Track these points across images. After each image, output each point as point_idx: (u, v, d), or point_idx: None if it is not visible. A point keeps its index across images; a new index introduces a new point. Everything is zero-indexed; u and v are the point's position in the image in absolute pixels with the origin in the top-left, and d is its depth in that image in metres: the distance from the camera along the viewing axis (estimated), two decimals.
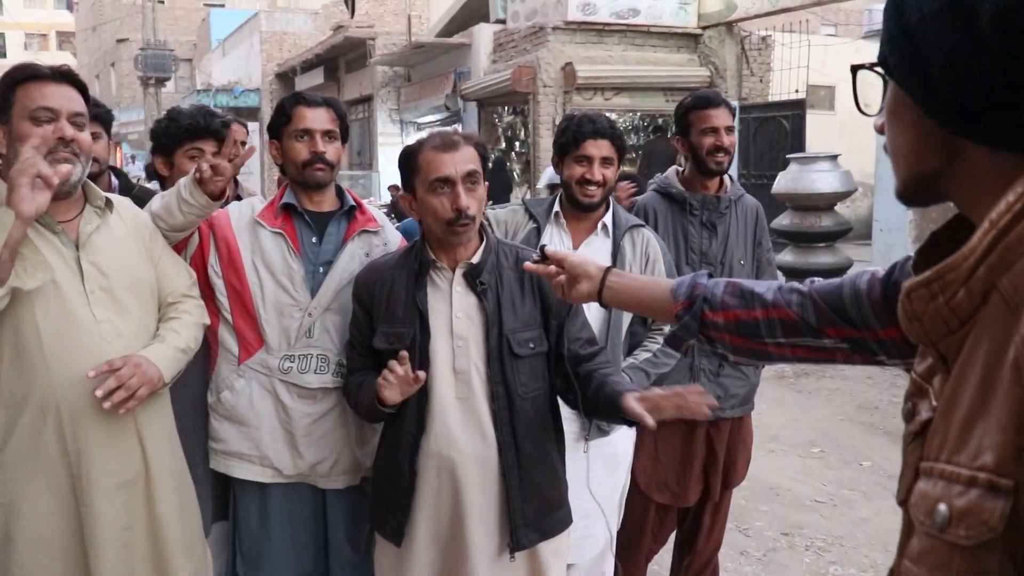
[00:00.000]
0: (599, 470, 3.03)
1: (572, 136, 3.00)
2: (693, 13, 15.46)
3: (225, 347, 2.75)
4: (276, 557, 2.75)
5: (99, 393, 2.20)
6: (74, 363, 2.25)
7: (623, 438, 3.10)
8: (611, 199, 3.11)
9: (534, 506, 2.42)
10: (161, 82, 29.20)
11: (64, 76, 2.32)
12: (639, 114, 16.21)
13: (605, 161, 2.99)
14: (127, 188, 3.58)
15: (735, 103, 14.97)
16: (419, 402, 2.39)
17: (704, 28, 15.44)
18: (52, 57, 60.84)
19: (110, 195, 2.49)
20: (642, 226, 3.12)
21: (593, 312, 2.80)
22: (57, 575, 2.31)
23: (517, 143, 17.34)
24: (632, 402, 2.18)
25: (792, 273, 8.99)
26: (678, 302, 1.73)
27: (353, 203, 2.82)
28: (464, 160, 2.35)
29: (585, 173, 2.97)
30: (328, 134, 2.73)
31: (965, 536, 0.81)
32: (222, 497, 2.90)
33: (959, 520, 0.82)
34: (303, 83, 25.60)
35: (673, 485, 3.41)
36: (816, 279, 1.64)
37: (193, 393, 2.78)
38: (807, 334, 1.56)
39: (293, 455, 2.71)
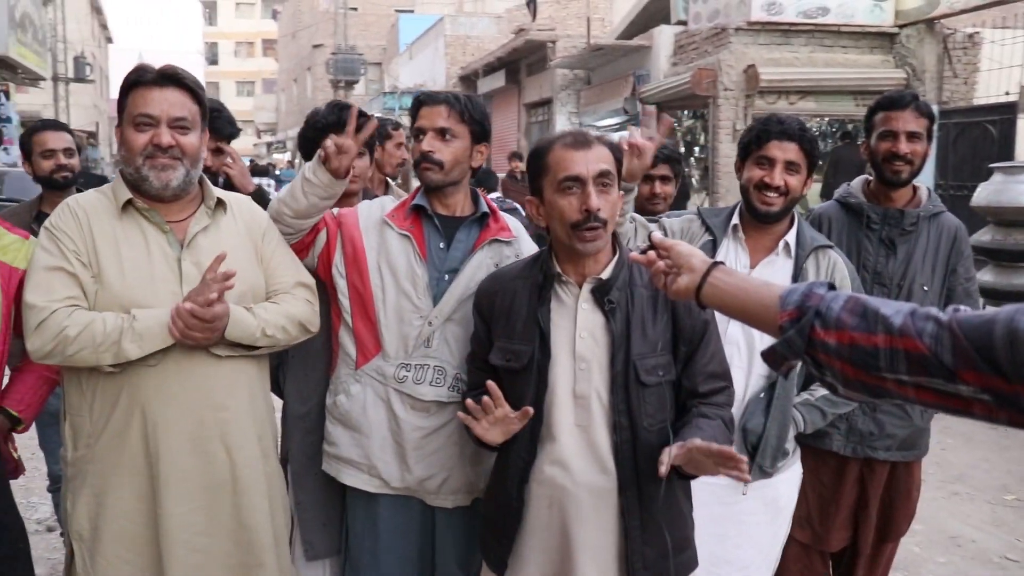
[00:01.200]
0: (759, 515, 2.75)
1: (756, 135, 2.71)
2: (890, 10, 14.49)
3: (344, 350, 2.70)
4: (381, 567, 2.68)
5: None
6: (161, 367, 2.30)
7: (787, 480, 2.81)
8: (795, 214, 2.80)
9: (655, 548, 2.22)
10: (350, 85, 30.40)
11: (169, 79, 2.36)
12: (826, 119, 15.37)
13: (790, 166, 2.68)
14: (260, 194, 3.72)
15: (934, 107, 14.05)
16: (533, 426, 2.24)
17: (902, 26, 14.44)
18: (257, 63, 64.80)
19: (226, 194, 2.54)
20: (830, 247, 2.79)
21: (739, 334, 2.64)
22: (139, 571, 2.35)
23: (696, 148, 16.86)
24: (665, 451, 2.01)
25: (991, 295, 8.23)
26: (785, 312, 1.50)
27: (487, 210, 2.71)
28: (597, 159, 2.18)
29: (764, 176, 2.68)
30: (441, 132, 2.62)
31: None
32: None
33: None
34: (485, 85, 25.99)
35: (815, 523, 3.08)
36: (962, 307, 1.30)
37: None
38: (937, 375, 1.28)
39: (401, 468, 2.62)
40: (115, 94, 2.43)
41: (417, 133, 2.65)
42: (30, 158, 3.93)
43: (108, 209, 2.37)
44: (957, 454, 5.91)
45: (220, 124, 3.57)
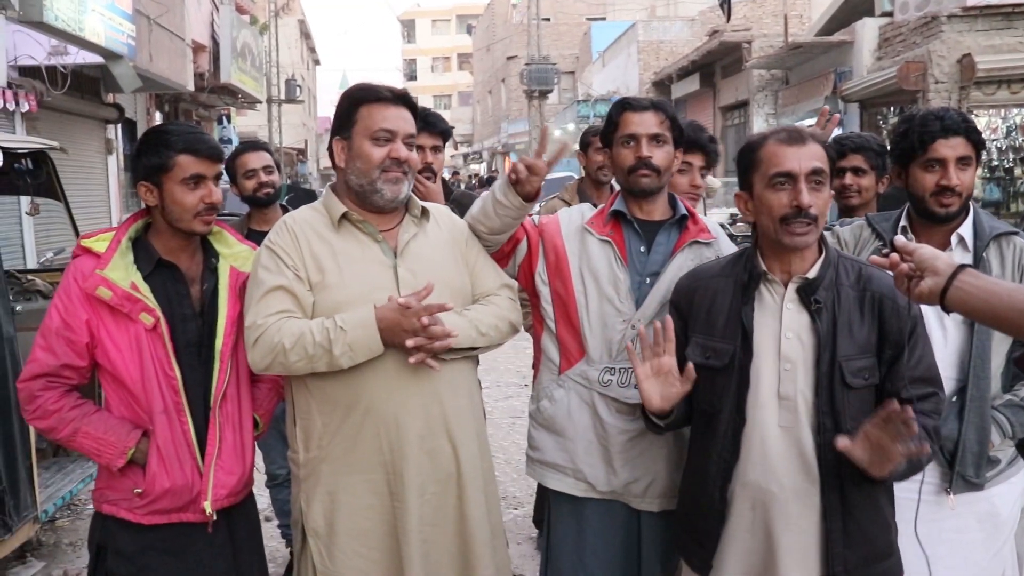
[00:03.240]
0: (973, 532, 2.56)
1: (918, 138, 2.53)
2: None
3: (547, 356, 2.74)
4: (586, 572, 2.69)
5: (411, 351, 2.34)
6: (388, 367, 2.40)
7: (1004, 494, 2.60)
8: (971, 205, 2.62)
9: (857, 553, 2.19)
10: (544, 95, 30.71)
11: (401, 99, 2.50)
12: None
13: (961, 162, 2.52)
14: (447, 193, 3.81)
15: None
16: (735, 425, 2.24)
17: None
18: (453, 77, 66.89)
19: (427, 204, 2.64)
20: (1015, 233, 2.58)
21: (952, 334, 2.51)
22: (372, 565, 2.47)
23: None
24: (845, 442, 2.02)
25: None
26: None
27: (685, 212, 2.71)
28: (810, 156, 2.16)
29: (940, 179, 2.52)
30: (655, 138, 2.64)
31: None
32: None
33: None
34: (679, 90, 25.69)
35: None
36: None
37: None
38: None
39: (607, 471, 2.64)
40: (323, 112, 2.56)
41: (628, 139, 2.65)
42: (235, 180, 4.15)
43: (323, 223, 2.49)
44: None
45: (435, 120, 3.64)
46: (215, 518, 2.48)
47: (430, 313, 2.32)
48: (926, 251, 1.79)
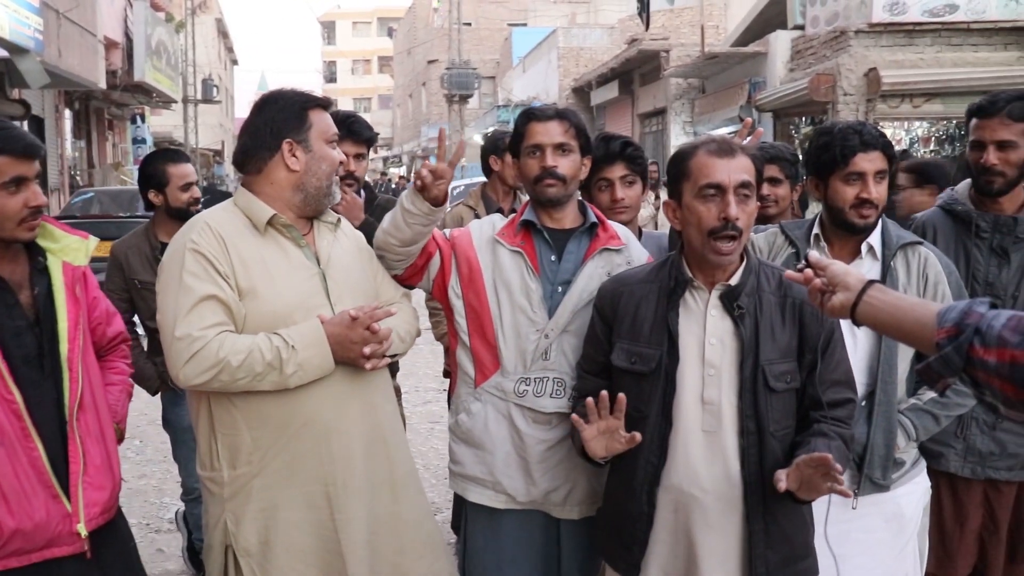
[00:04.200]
0: (879, 532, 2.64)
1: (839, 151, 2.59)
2: None
3: (463, 369, 2.73)
4: None
5: (368, 357, 2.36)
6: (327, 379, 2.36)
7: (909, 494, 2.70)
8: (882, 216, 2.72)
9: (778, 553, 2.25)
10: (465, 99, 30.75)
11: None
12: (954, 122, 14.74)
13: (878, 175, 2.60)
14: (371, 199, 3.79)
15: None
16: (662, 430, 2.28)
17: None
18: (373, 80, 66.41)
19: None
20: (919, 243, 2.69)
21: (862, 342, 2.59)
22: None
23: None
24: (780, 473, 2.09)
25: None
26: (943, 329, 1.50)
27: (595, 220, 2.72)
28: (739, 169, 2.21)
29: (860, 192, 2.59)
30: (560, 147, 2.64)
31: None
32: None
33: None
34: (598, 97, 25.96)
35: (937, 549, 2.92)
36: None
37: None
38: None
39: (527, 481, 2.64)
40: (240, 113, 2.53)
41: (534, 149, 2.65)
42: (163, 188, 3.88)
43: (245, 226, 2.41)
44: None
45: (359, 128, 3.62)
46: (85, 541, 2.27)
47: (377, 320, 2.33)
48: (838, 267, 1.85)
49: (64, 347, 2.28)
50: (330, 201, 2.48)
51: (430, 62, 42.55)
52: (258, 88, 61.64)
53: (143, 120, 23.97)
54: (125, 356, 2.70)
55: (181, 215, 3.81)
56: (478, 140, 22.75)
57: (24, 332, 2.24)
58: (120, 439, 2.53)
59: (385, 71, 63.87)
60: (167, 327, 2.28)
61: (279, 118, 2.43)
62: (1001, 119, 2.88)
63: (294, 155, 2.41)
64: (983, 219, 2.94)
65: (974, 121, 2.95)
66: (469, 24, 37.22)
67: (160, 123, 31.62)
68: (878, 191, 2.59)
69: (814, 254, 1.95)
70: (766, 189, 3.50)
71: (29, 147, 2.22)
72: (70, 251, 2.39)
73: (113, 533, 2.43)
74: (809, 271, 1.90)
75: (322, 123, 2.46)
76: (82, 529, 2.25)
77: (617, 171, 3.06)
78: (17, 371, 2.18)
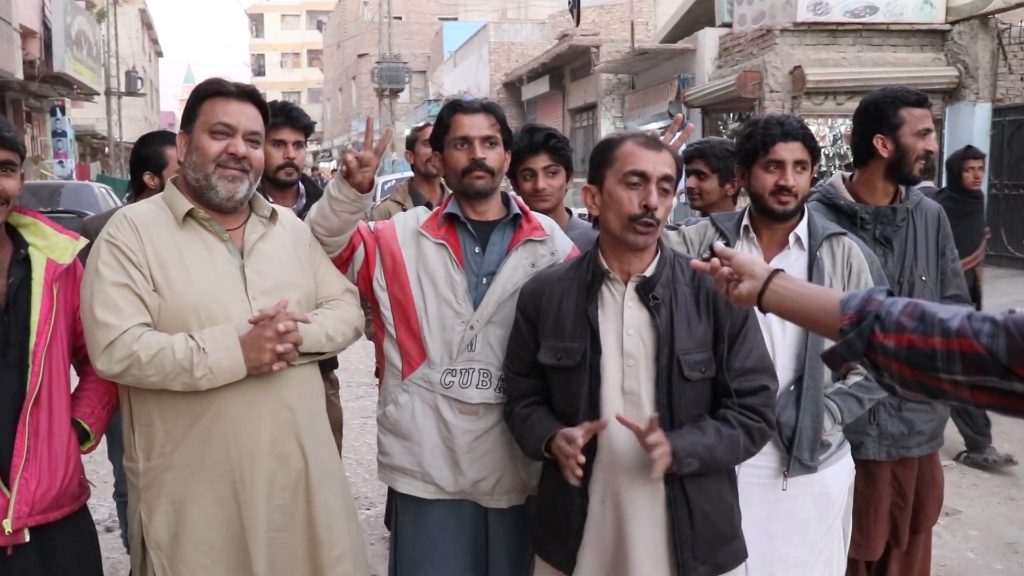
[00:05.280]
0: (808, 511, 2.72)
1: (760, 140, 2.70)
2: (940, 7, 14.24)
3: (390, 361, 2.74)
4: (434, 572, 2.71)
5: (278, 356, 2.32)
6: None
7: (835, 475, 2.78)
8: (806, 207, 2.81)
9: (704, 538, 2.29)
10: (395, 93, 30.63)
11: (247, 94, 2.45)
12: None
13: (798, 165, 2.70)
14: (315, 194, 3.71)
15: (987, 105, 13.81)
16: (590, 422, 2.28)
17: (953, 23, 14.20)
18: (302, 73, 65.59)
19: (274, 206, 2.59)
20: (843, 234, 2.80)
21: (790, 328, 2.65)
22: None
23: None
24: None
25: None
26: (846, 315, 1.58)
27: (519, 211, 2.74)
28: (664, 163, 2.28)
29: (778, 180, 2.69)
30: (487, 140, 2.68)
31: None
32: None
33: None
34: (529, 92, 26.03)
35: (855, 534, 3.01)
36: (1017, 309, 1.40)
37: None
38: (993, 373, 1.37)
39: (454, 472, 2.66)
40: (166, 106, 2.47)
41: (461, 141, 2.67)
42: (160, 171, 3.72)
43: (165, 219, 2.39)
44: (1016, 456, 5.76)
45: (298, 115, 3.56)
46: (26, 538, 2.26)
47: (292, 320, 2.31)
48: (743, 257, 1.91)
49: (33, 339, 2.30)
50: (215, 195, 2.37)
51: (360, 56, 42.23)
52: (184, 81, 60.53)
53: (63, 112, 23.28)
54: None
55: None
56: (408, 133, 22.64)
57: None
58: (91, 442, 2.49)
59: (315, 64, 63.12)
60: (86, 314, 2.28)
61: (184, 110, 2.44)
62: (929, 112, 3.07)
63: (183, 147, 2.43)
64: (865, 211, 3.06)
65: (915, 110, 3.05)
66: (399, 18, 37.05)
67: (82, 116, 30.79)
68: (796, 180, 2.67)
69: (719, 244, 2.01)
70: (692, 182, 3.61)
71: None
72: (57, 249, 2.42)
73: (71, 535, 2.42)
74: (716, 260, 1.95)
75: (209, 112, 2.38)
76: (7, 524, 2.22)
77: (540, 161, 3.10)
78: None
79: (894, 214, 3.06)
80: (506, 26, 31.30)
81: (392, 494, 2.87)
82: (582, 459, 2.20)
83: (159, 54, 53.04)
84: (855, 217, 3.07)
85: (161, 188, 3.78)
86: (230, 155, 2.36)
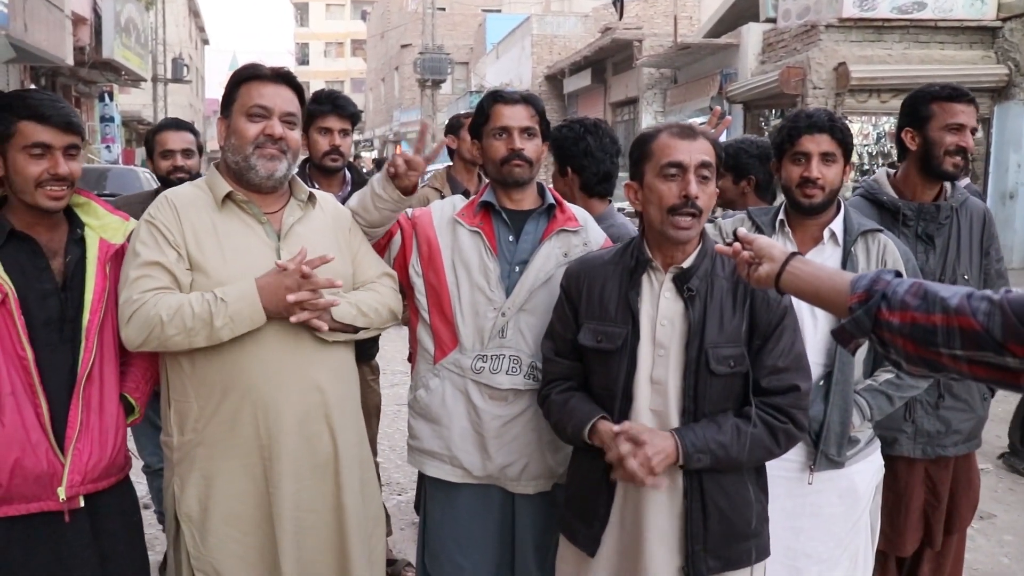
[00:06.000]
0: (834, 507, 2.72)
1: (787, 133, 2.73)
2: (992, 4, 14.03)
3: (423, 346, 2.78)
4: (461, 556, 2.75)
5: (294, 312, 2.35)
6: (267, 351, 2.41)
7: (862, 471, 2.77)
8: (841, 201, 2.81)
9: (716, 532, 2.28)
10: (437, 84, 30.68)
11: (282, 77, 2.51)
12: None
13: (825, 157, 2.70)
14: (360, 182, 3.77)
15: None
16: (623, 407, 2.33)
17: (1005, 19, 13.96)
18: (346, 63, 65.89)
19: (313, 190, 2.65)
20: (879, 230, 2.78)
21: (821, 324, 2.66)
22: (247, 550, 2.47)
23: None
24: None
25: None
26: (855, 295, 1.68)
27: (553, 201, 2.78)
28: (700, 150, 2.27)
29: (803, 172, 2.70)
30: (526, 131, 2.72)
31: None
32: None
33: None
34: (571, 85, 25.98)
35: (886, 527, 3.00)
36: (1015, 289, 1.47)
37: None
38: (988, 349, 1.46)
39: (483, 456, 2.69)
40: (211, 94, 2.52)
41: (501, 131, 2.70)
42: (152, 156, 3.97)
43: (206, 201, 2.47)
44: None
45: (344, 103, 3.62)
46: (81, 504, 2.36)
47: (312, 266, 2.32)
48: (763, 240, 1.98)
49: (86, 316, 2.37)
50: (255, 174, 2.44)
51: (403, 46, 42.33)
52: (229, 69, 61.08)
53: (111, 98, 23.63)
54: None
55: (166, 184, 3.79)
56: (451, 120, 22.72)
57: (50, 296, 2.35)
58: (135, 415, 2.57)
59: (358, 54, 63.42)
60: (119, 295, 2.39)
61: (224, 95, 2.52)
62: (973, 108, 3.05)
63: (223, 131, 2.50)
64: (908, 208, 3.04)
65: (948, 104, 3.03)
66: (443, 9, 37.08)
67: (129, 102, 31.23)
68: (822, 171, 2.67)
69: (741, 230, 2.06)
70: None
71: (61, 118, 2.32)
72: (109, 229, 2.50)
73: (116, 504, 2.49)
74: (737, 244, 2.02)
75: (245, 95, 2.45)
76: (62, 492, 2.32)
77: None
78: (36, 331, 2.30)
79: (937, 211, 3.03)
80: (549, 19, 31.26)
81: (422, 479, 2.91)
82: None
83: (205, 42, 53.59)
84: (898, 213, 3.05)
85: (156, 172, 3.92)
86: (267, 136, 2.43)
